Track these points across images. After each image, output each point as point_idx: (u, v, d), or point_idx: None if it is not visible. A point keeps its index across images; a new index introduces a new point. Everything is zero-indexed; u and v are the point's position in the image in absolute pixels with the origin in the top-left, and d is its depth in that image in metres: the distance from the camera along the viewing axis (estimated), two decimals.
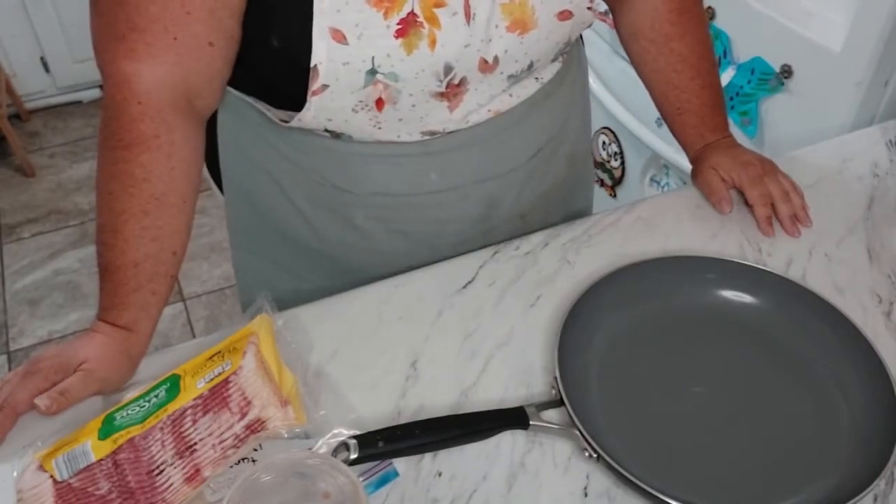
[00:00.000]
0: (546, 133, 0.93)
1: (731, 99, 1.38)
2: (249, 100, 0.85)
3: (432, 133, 0.83)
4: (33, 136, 2.92)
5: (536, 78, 0.88)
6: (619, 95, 1.69)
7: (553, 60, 0.88)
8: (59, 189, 2.70)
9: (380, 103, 0.77)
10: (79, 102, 3.04)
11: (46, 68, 2.90)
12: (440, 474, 0.69)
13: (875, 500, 0.68)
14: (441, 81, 0.77)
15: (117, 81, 0.72)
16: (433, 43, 0.74)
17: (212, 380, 0.71)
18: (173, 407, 0.70)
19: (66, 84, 2.96)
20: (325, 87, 0.74)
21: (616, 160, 1.83)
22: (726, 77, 1.37)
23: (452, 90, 0.79)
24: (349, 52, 0.72)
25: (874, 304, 0.84)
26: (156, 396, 0.71)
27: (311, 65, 0.73)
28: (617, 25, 0.98)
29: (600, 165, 1.90)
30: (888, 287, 0.86)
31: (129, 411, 0.71)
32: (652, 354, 0.79)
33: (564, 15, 0.80)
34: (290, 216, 0.92)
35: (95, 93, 3.03)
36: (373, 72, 0.74)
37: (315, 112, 0.77)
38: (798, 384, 0.76)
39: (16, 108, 2.90)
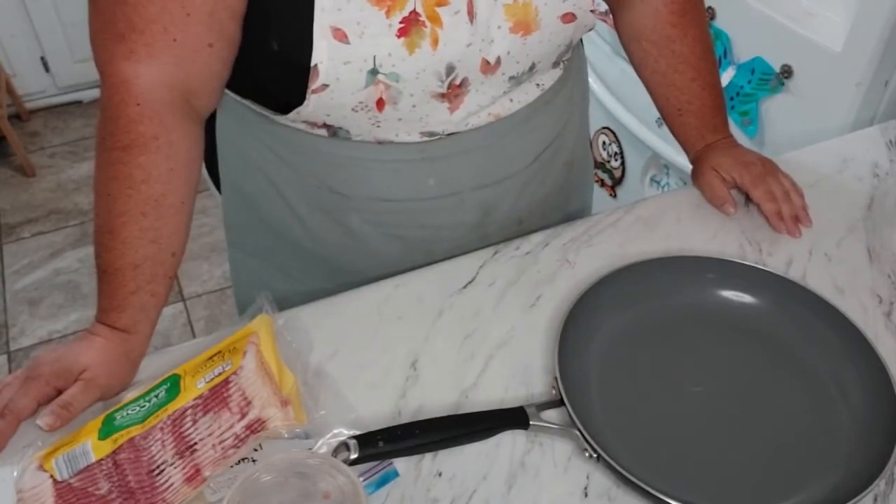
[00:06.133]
0: (544, 140, 0.92)
1: (731, 99, 1.38)
2: (246, 102, 0.85)
3: (431, 134, 0.83)
4: (33, 136, 2.92)
5: (537, 84, 0.88)
6: (619, 95, 1.69)
7: (555, 66, 0.88)
8: (59, 189, 2.70)
9: (380, 104, 0.77)
10: (79, 102, 3.04)
11: (46, 68, 2.90)
12: (440, 474, 0.69)
13: (875, 500, 0.68)
14: (443, 82, 0.77)
15: (115, 83, 0.71)
16: (435, 42, 0.74)
17: (212, 380, 0.71)
18: (173, 407, 0.70)
19: (66, 84, 2.96)
20: (325, 86, 0.74)
21: (616, 160, 1.84)
22: (726, 77, 1.37)
23: (454, 91, 0.79)
24: (350, 51, 0.72)
25: (874, 304, 0.84)
26: (156, 396, 0.71)
27: (312, 64, 0.72)
28: (617, 26, 0.98)
29: (600, 165, 1.90)
30: (888, 287, 0.86)
31: (130, 411, 0.71)
32: (652, 354, 0.79)
33: (567, 17, 0.80)
34: (285, 217, 0.92)
35: (96, 93, 3.00)
36: (374, 72, 0.74)
37: (314, 108, 0.77)
38: (798, 384, 0.76)
39: (16, 108, 2.90)
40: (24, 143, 2.82)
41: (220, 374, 0.72)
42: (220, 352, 0.75)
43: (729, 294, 0.84)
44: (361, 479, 0.67)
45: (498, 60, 0.79)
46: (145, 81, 0.71)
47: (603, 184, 1.92)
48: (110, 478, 0.66)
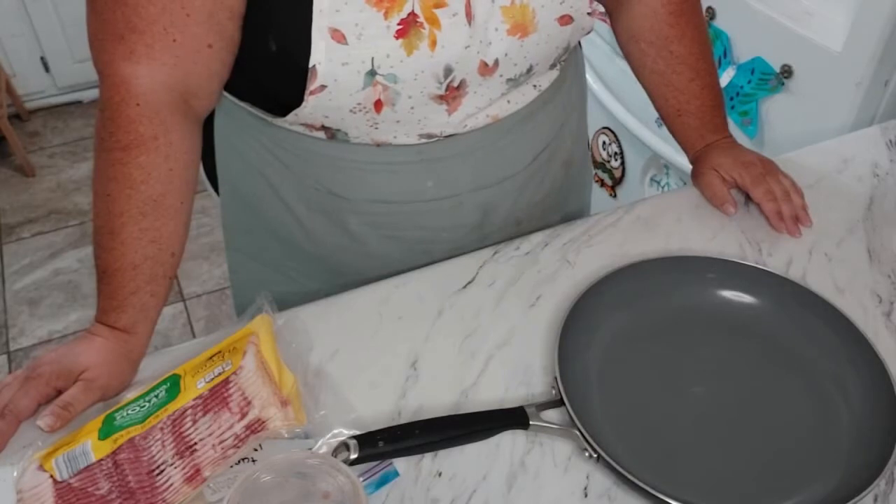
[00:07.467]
0: (542, 141, 0.92)
1: (731, 99, 1.38)
2: (245, 105, 0.85)
3: (429, 136, 0.83)
4: (33, 136, 2.92)
5: (534, 86, 0.88)
6: (619, 95, 1.69)
7: (552, 67, 0.88)
8: (59, 189, 2.70)
9: (378, 105, 0.77)
10: (79, 102, 3.04)
11: (46, 68, 2.90)
12: (440, 474, 0.69)
13: (875, 500, 0.68)
14: (441, 84, 0.77)
15: (115, 83, 0.72)
16: (433, 44, 0.74)
17: (212, 380, 0.71)
18: (173, 407, 0.70)
19: (66, 84, 2.96)
20: (323, 87, 0.74)
21: (616, 160, 1.84)
22: (726, 77, 1.37)
23: (452, 93, 0.79)
24: (348, 52, 0.72)
25: (874, 304, 0.84)
26: (156, 396, 0.71)
27: (310, 65, 0.72)
28: (614, 28, 0.98)
29: (600, 165, 1.90)
30: (888, 287, 0.86)
31: (130, 411, 0.71)
32: (652, 354, 0.79)
33: (565, 20, 0.80)
34: (284, 219, 0.91)
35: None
36: (372, 73, 0.74)
37: (312, 109, 0.77)
38: (798, 384, 0.76)
39: (16, 108, 2.90)
40: (24, 143, 2.83)
41: (220, 374, 0.72)
42: (220, 352, 0.75)
43: (729, 294, 0.84)
44: (361, 479, 0.67)
45: (496, 62, 0.79)
46: (145, 82, 0.71)
47: (603, 184, 1.92)
48: (110, 478, 0.66)
